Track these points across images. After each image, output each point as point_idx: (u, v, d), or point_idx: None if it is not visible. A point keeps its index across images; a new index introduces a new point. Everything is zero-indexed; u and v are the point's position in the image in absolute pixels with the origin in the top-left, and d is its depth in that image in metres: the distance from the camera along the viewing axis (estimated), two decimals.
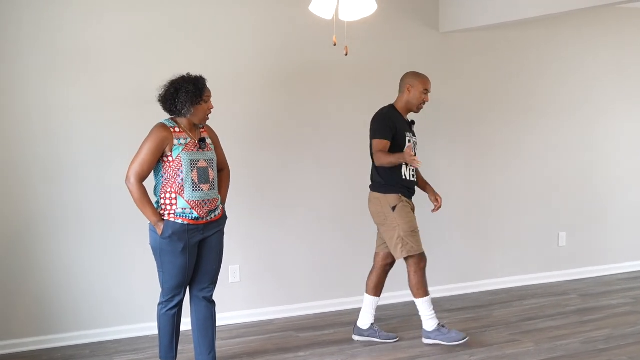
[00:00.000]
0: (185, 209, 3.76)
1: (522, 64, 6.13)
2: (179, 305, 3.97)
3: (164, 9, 4.86)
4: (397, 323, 5.21)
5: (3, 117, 4.53)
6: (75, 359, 4.51)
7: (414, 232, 4.68)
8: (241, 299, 5.20)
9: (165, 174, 3.79)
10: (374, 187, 4.79)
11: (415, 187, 4.85)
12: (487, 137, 6.07)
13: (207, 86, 3.87)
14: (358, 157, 5.50)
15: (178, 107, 3.78)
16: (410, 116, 4.90)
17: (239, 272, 5.20)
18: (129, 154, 4.78)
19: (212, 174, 3.90)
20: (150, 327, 4.91)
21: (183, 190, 3.76)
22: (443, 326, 4.71)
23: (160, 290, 3.98)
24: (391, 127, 4.65)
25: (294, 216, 5.38)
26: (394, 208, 4.64)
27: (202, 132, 3.94)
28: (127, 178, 3.76)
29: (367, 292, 4.90)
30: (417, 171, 4.85)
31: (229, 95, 5.05)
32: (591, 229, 6.49)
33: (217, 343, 4.67)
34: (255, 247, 5.24)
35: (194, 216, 3.79)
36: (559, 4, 4.69)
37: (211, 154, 3.94)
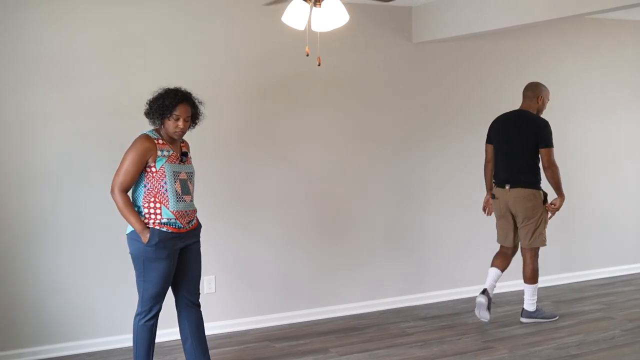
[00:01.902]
0: (170, 219, 3.81)
1: (491, 72, 6.23)
2: (157, 316, 3.97)
3: (139, 21, 4.88)
4: (373, 332, 5.24)
5: None
6: None
7: (547, 224, 5.38)
8: (216, 309, 5.20)
9: (147, 184, 3.82)
10: (529, 185, 5.29)
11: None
12: (456, 142, 6.14)
13: (185, 105, 3.86)
14: (333, 167, 5.57)
15: (150, 117, 3.89)
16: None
17: (214, 283, 5.21)
18: (104, 163, 4.82)
19: (191, 187, 3.97)
20: (124, 340, 4.91)
21: (168, 201, 3.81)
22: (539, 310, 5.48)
23: (137, 302, 3.97)
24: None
25: (269, 227, 5.40)
26: (544, 201, 5.31)
27: (182, 146, 4.01)
28: (112, 189, 3.80)
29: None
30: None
31: (204, 106, 5.08)
32: (563, 237, 6.56)
33: None
34: (230, 258, 5.26)
35: (177, 225, 3.84)
36: (525, 16, 4.78)
37: (191, 167, 4.01)
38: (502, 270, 5.42)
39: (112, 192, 3.79)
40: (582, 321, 5.46)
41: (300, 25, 3.37)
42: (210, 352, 4.73)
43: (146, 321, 3.93)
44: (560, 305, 5.90)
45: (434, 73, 5.96)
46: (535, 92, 5.38)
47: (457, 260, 6.17)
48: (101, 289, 4.87)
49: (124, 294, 4.90)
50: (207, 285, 5.17)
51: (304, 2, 3.33)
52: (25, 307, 4.68)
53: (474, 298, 6.06)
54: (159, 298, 3.93)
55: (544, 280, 6.46)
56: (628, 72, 6.86)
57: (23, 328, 4.68)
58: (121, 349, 4.89)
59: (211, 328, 5.15)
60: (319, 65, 3.70)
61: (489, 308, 5.29)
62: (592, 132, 6.67)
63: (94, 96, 4.78)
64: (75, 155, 4.77)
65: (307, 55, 3.63)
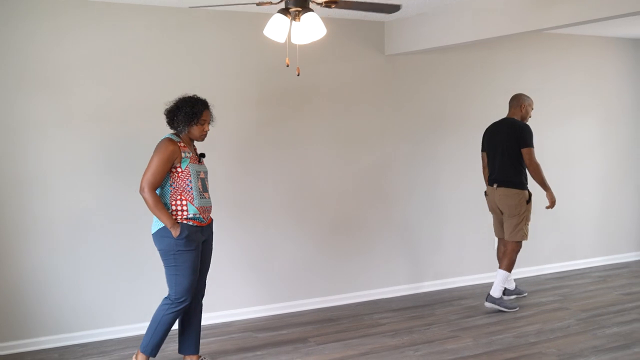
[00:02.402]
0: (195, 214, 3.90)
1: (457, 82, 6.22)
2: (184, 309, 3.97)
3: (129, 32, 4.81)
4: (348, 322, 5.21)
5: None
6: None
7: (529, 221, 5.54)
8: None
9: (174, 183, 3.88)
10: (513, 184, 5.48)
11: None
12: (425, 145, 6.12)
13: (208, 111, 3.98)
14: (310, 168, 5.54)
15: (175, 124, 3.92)
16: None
17: None
18: (95, 165, 4.74)
19: (208, 185, 4.07)
20: (115, 331, 4.87)
21: (192, 198, 3.89)
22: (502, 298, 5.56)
23: (164, 295, 4.00)
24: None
25: (252, 222, 5.35)
26: (528, 201, 5.46)
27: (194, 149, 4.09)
28: (142, 188, 3.81)
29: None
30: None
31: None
32: None
33: (177, 344, 4.61)
34: (215, 255, 5.18)
35: (200, 219, 3.94)
36: (488, 31, 4.79)
37: (206, 167, 4.11)
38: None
39: (142, 191, 3.80)
40: (540, 312, 5.47)
41: (280, 38, 3.33)
42: None
43: (173, 312, 3.92)
44: (521, 297, 5.90)
45: (405, 82, 5.95)
46: (518, 101, 5.62)
47: (426, 256, 6.16)
48: (93, 284, 4.79)
49: (116, 288, 4.84)
50: None
51: (284, 16, 3.28)
52: (23, 301, 4.59)
53: (441, 290, 6.12)
54: (191, 289, 3.93)
55: None
56: (580, 82, 6.90)
57: (20, 321, 4.59)
58: (112, 340, 4.81)
59: None
60: (298, 75, 3.67)
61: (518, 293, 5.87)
62: (549, 138, 6.68)
63: (86, 103, 4.71)
64: (69, 157, 4.68)
65: (287, 66, 3.60)
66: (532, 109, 5.70)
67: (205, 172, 4.06)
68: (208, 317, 5.13)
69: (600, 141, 7.02)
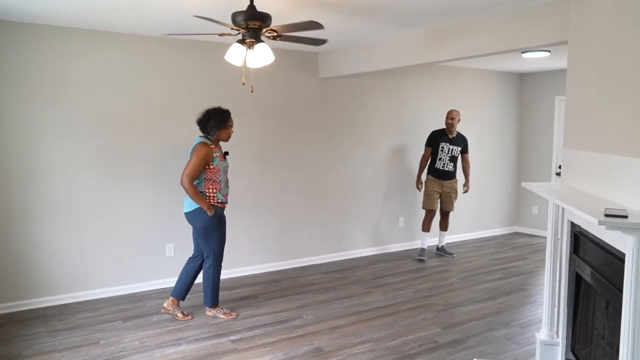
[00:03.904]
0: (222, 199, 4.07)
1: (375, 101, 6.30)
2: (221, 266, 4.21)
3: (120, 52, 4.66)
4: (288, 282, 5.23)
5: None
6: (46, 317, 4.23)
7: (427, 196, 6.15)
8: (175, 268, 5.05)
9: (207, 176, 3.99)
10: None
11: (450, 174, 6.16)
12: (349, 150, 6.18)
13: (231, 117, 4.09)
14: (263, 165, 5.51)
15: (207, 129, 4.01)
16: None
17: (173, 249, 5.06)
18: (88, 160, 4.59)
19: (228, 176, 4.20)
20: (105, 292, 4.73)
21: (221, 187, 4.04)
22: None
23: (204, 258, 4.11)
24: (432, 140, 6.13)
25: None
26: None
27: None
28: (182, 181, 3.90)
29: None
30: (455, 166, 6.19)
31: (164, 121, 4.93)
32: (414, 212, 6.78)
33: (157, 301, 4.55)
34: (184, 231, 5.11)
35: (225, 203, 4.11)
36: (398, 61, 4.86)
37: (228, 162, 4.19)
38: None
39: (182, 183, 3.89)
40: (432, 273, 5.62)
41: (238, 62, 3.30)
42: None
43: (218, 269, 4.15)
44: (417, 263, 6.02)
45: (334, 100, 5.99)
46: (446, 115, 6.15)
47: (347, 230, 6.23)
48: (86, 252, 4.64)
49: (105, 256, 4.71)
50: (168, 251, 5.02)
51: (241, 45, 3.27)
52: (30, 268, 4.41)
53: (359, 257, 6.20)
54: (223, 252, 4.16)
55: (407, 245, 6.69)
56: (464, 101, 7.09)
57: (27, 284, 4.42)
58: (102, 299, 4.68)
59: (172, 282, 5.03)
60: (251, 91, 3.65)
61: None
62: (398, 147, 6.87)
63: (82, 110, 4.55)
64: (68, 153, 4.52)
65: (243, 84, 3.59)
66: (449, 119, 6.03)
67: (228, 166, 4.15)
68: None
69: (476, 146, 7.24)
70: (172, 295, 4.22)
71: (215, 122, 3.99)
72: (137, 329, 4.00)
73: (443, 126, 6.28)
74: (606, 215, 1.97)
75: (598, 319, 2.78)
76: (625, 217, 1.95)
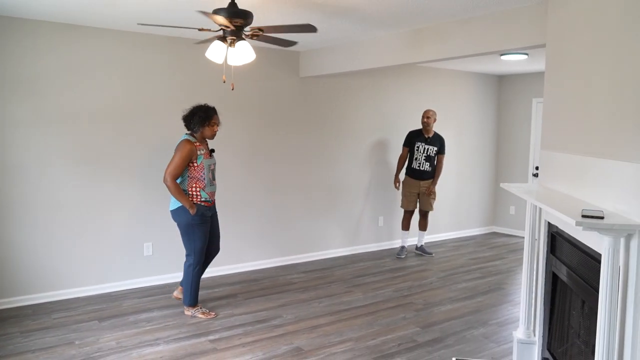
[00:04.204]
0: (206, 198, 4.02)
1: (354, 100, 6.31)
2: (202, 265, 4.15)
3: (93, 47, 4.58)
4: (268, 282, 5.21)
5: None
6: (19, 317, 4.14)
7: (405, 197, 6.20)
8: (153, 268, 5.00)
9: (191, 174, 3.96)
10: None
11: (426, 174, 6.18)
12: (327, 148, 6.18)
13: (217, 115, 4.06)
14: (238, 163, 5.47)
15: (191, 126, 3.98)
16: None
17: (151, 248, 5.00)
18: (64, 159, 4.50)
19: (215, 174, 4.15)
20: (79, 291, 4.64)
21: (204, 185, 3.98)
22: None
23: (185, 257, 4.09)
24: (408, 140, 6.18)
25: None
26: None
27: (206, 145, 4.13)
28: (165, 179, 3.87)
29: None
30: (432, 165, 6.21)
31: (142, 118, 4.86)
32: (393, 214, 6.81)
33: (133, 301, 4.49)
34: (163, 229, 5.06)
35: (209, 201, 4.05)
36: (377, 62, 4.87)
37: (215, 160, 4.16)
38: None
39: (165, 180, 3.87)
40: (411, 272, 5.64)
41: (219, 60, 3.27)
42: (147, 299, 4.61)
43: (198, 269, 4.10)
44: (396, 262, 6.06)
45: (314, 99, 5.98)
46: (422, 115, 6.19)
47: (326, 230, 6.23)
48: (61, 252, 4.56)
49: (80, 255, 4.63)
50: (146, 249, 4.96)
51: (222, 42, 3.24)
52: (2, 267, 4.31)
53: (338, 257, 6.20)
54: (203, 251, 4.09)
55: (383, 245, 6.73)
56: (440, 102, 7.15)
57: (0, 283, 4.32)
58: (77, 298, 4.60)
59: (149, 281, 4.98)
60: (232, 89, 3.63)
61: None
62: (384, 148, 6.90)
63: (58, 106, 4.46)
64: (41, 152, 4.42)
65: (224, 82, 3.57)
66: (425, 119, 6.09)
67: (214, 164, 4.11)
68: (158, 279, 5.03)
69: (455, 146, 7.30)
70: (180, 285, 4.33)
71: (199, 118, 3.96)
72: (113, 329, 3.94)
73: (420, 126, 6.32)
74: (583, 216, 2.01)
75: (574, 318, 2.83)
76: (602, 217, 1.98)
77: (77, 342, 3.68)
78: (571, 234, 2.69)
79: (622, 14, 2.27)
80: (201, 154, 3.97)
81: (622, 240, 2.00)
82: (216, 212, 4.29)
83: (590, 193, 2.44)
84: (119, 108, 4.74)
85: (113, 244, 4.77)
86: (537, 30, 3.49)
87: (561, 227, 2.85)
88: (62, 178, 4.52)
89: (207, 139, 4.13)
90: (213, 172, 4.08)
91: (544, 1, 3.42)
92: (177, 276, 5.14)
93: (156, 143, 4.93)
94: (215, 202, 4.26)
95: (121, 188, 4.79)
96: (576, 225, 1.92)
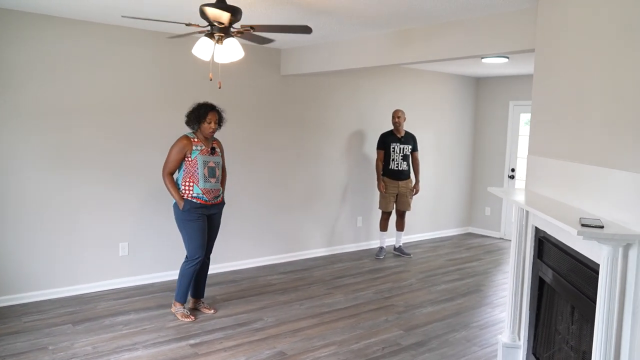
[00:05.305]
0: (199, 194, 3.94)
1: (333, 99, 6.26)
2: (198, 263, 4.03)
3: (77, 40, 4.40)
4: (247, 283, 5.12)
5: None
6: None
7: (384, 198, 6.18)
8: (129, 268, 4.85)
9: (185, 169, 3.94)
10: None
11: (404, 173, 6.20)
12: (308, 146, 6.12)
13: (214, 112, 3.98)
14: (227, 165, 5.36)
15: (190, 124, 3.97)
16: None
17: (127, 248, 4.84)
18: (35, 156, 4.32)
19: (218, 172, 4.05)
20: (52, 293, 4.47)
21: (198, 181, 3.92)
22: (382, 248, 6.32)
23: (184, 254, 4.05)
24: (382, 142, 6.18)
25: (166, 206, 5.10)
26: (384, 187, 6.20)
27: (214, 143, 4.10)
28: (162, 172, 3.94)
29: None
30: (410, 166, 6.31)
31: (119, 114, 4.70)
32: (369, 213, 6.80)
33: (109, 303, 4.35)
34: (139, 229, 4.91)
35: (204, 199, 3.96)
36: (357, 62, 4.83)
37: (218, 159, 4.08)
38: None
39: (162, 175, 3.94)
40: (391, 273, 5.63)
41: (206, 57, 3.17)
42: (123, 301, 4.47)
43: (191, 266, 4.01)
44: (375, 262, 6.04)
45: (295, 98, 5.90)
46: (392, 115, 6.20)
47: (306, 230, 6.17)
48: (34, 253, 4.37)
49: (53, 256, 4.45)
50: (122, 249, 4.80)
51: (209, 39, 3.13)
52: None
53: (317, 257, 6.16)
54: (201, 249, 4.00)
55: (364, 245, 6.70)
56: (423, 104, 7.16)
57: None
58: (49, 300, 4.42)
59: (124, 282, 4.84)
60: (219, 88, 3.52)
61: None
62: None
63: (30, 100, 4.26)
64: (12, 147, 4.22)
65: (211, 80, 3.47)
66: (395, 119, 6.13)
67: (217, 162, 4.04)
68: (134, 280, 4.90)
69: (433, 147, 7.34)
70: (192, 297, 4.32)
71: (194, 116, 3.98)
72: (88, 332, 3.79)
73: (390, 127, 6.32)
74: (582, 225, 1.99)
75: (561, 323, 2.84)
76: (602, 227, 1.97)
77: (50, 347, 3.53)
78: (560, 240, 2.69)
79: (617, 19, 2.27)
80: (197, 150, 3.94)
81: (620, 250, 2.00)
82: (218, 214, 4.14)
83: (584, 200, 2.44)
84: (96, 103, 4.57)
85: (87, 243, 4.61)
86: (526, 35, 3.49)
87: (550, 232, 2.85)
88: (33, 174, 4.33)
89: (215, 137, 4.14)
90: (212, 169, 3.99)
91: (533, 6, 3.43)
92: (154, 277, 5.01)
93: (133, 140, 4.78)
94: (220, 202, 4.11)
95: (96, 186, 4.62)
96: (577, 235, 1.90)
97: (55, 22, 4.30)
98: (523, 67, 6.43)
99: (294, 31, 2.89)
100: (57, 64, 4.35)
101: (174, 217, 4.05)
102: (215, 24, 2.96)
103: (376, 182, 6.30)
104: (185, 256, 4.08)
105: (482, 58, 5.62)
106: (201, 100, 4.10)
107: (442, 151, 7.48)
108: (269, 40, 3.57)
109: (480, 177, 7.81)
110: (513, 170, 7.49)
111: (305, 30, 2.79)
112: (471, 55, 3.94)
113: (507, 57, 5.62)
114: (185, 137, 3.97)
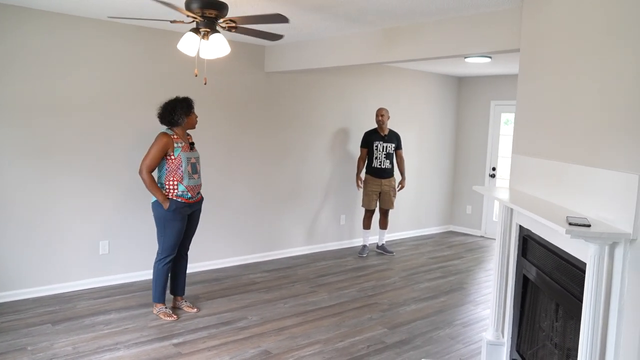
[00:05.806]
0: (184, 191, 3.89)
1: (316, 96, 6.23)
2: (171, 262, 4.01)
3: (58, 34, 4.30)
4: (230, 281, 5.07)
5: None
6: None
7: (367, 196, 6.18)
8: (109, 267, 4.77)
9: (168, 167, 3.86)
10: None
11: (387, 172, 6.20)
12: (293, 142, 6.09)
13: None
14: (208, 162, 5.30)
15: (175, 119, 3.86)
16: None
17: (108, 246, 4.76)
18: (15, 152, 4.22)
19: (199, 167, 4.02)
20: (29, 292, 4.36)
21: (182, 178, 3.86)
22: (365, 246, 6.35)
23: (154, 253, 4.04)
24: (366, 140, 6.19)
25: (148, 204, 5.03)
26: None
27: (189, 138, 4.03)
28: (140, 171, 3.79)
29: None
30: (394, 164, 6.33)
31: (100, 110, 4.61)
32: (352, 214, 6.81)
33: (89, 302, 4.28)
34: (119, 228, 4.83)
35: (188, 196, 3.92)
36: (341, 61, 4.81)
37: (197, 154, 4.04)
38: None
39: (140, 172, 3.80)
40: (374, 271, 5.64)
41: (191, 52, 3.12)
42: (104, 300, 4.38)
43: (164, 265, 3.97)
44: (359, 260, 6.05)
45: (278, 95, 5.87)
46: (375, 114, 6.20)
47: (286, 228, 6.14)
48: (11, 251, 4.26)
49: (30, 254, 4.35)
50: (102, 248, 4.72)
51: (195, 34, 3.09)
52: None
53: (300, 255, 6.13)
54: (174, 248, 3.97)
55: (348, 243, 6.71)
56: (406, 102, 7.19)
57: None
58: (26, 299, 4.31)
59: (105, 281, 4.76)
60: (205, 84, 3.48)
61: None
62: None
63: (8, 94, 4.15)
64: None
65: (196, 76, 3.42)
66: (379, 117, 6.12)
67: (197, 158, 4.00)
68: (115, 279, 4.81)
69: (415, 146, 7.37)
70: (171, 294, 4.30)
71: (182, 110, 3.89)
72: (68, 332, 3.71)
73: (374, 125, 6.33)
74: (570, 224, 2.01)
75: (545, 321, 2.87)
76: (589, 225, 1.99)
77: (29, 348, 3.45)
78: (545, 238, 2.71)
79: (602, 19, 2.29)
80: (179, 147, 3.88)
81: (607, 248, 2.02)
82: (198, 210, 4.12)
83: (569, 199, 2.46)
84: (76, 99, 4.48)
85: (66, 241, 4.51)
86: (511, 35, 3.52)
87: (534, 230, 2.88)
88: (10, 170, 4.23)
89: (187, 132, 4.06)
90: (194, 165, 3.96)
91: (518, 5, 3.45)
92: (135, 275, 4.94)
93: (113, 136, 4.69)
94: (200, 199, 4.07)
95: (75, 183, 4.53)
96: (565, 233, 1.92)
97: (33, 14, 4.19)
98: (504, 67, 6.49)
99: (270, 21, 2.85)
100: (34, 57, 4.25)
101: (153, 214, 3.96)
102: (195, 19, 2.91)
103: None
104: (157, 253, 4.01)
105: (466, 58, 5.66)
106: (178, 96, 3.99)
107: (424, 150, 7.52)
108: (279, 37, 3.49)
109: (462, 175, 7.87)
110: (494, 169, 7.56)
111: (281, 19, 2.76)
112: (457, 54, 3.95)
113: (490, 57, 5.66)
114: (165, 134, 3.86)
